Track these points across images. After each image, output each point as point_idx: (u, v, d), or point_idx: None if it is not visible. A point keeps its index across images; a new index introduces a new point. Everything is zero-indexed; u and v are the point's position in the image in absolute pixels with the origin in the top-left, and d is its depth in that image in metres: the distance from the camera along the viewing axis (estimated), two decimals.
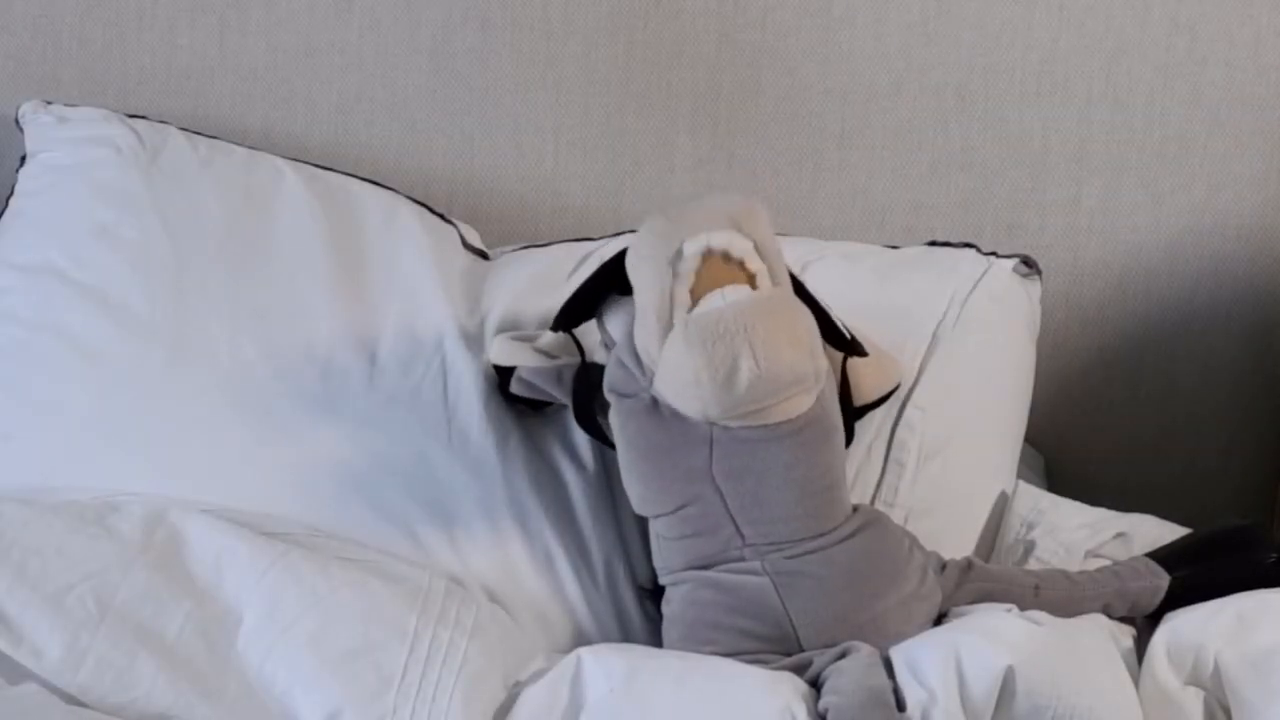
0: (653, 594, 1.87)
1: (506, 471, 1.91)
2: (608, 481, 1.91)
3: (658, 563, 1.84)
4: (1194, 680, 1.69)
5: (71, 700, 1.64)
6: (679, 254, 1.73)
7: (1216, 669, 1.68)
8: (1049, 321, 2.22)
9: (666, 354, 1.71)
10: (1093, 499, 2.04)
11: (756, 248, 1.75)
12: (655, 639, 1.85)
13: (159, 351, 1.96)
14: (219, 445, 1.92)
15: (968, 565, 1.84)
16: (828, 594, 1.76)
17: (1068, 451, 2.37)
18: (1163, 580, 1.84)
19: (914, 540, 1.83)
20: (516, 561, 1.89)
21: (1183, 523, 2.01)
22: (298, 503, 1.89)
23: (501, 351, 1.93)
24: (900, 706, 1.62)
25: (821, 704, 1.63)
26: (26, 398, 1.96)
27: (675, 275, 1.73)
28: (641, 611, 1.90)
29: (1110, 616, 1.81)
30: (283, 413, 1.93)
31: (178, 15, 2.25)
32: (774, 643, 1.76)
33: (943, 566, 1.83)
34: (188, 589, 1.72)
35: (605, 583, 1.90)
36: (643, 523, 1.87)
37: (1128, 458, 2.39)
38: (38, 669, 1.65)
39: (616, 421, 1.82)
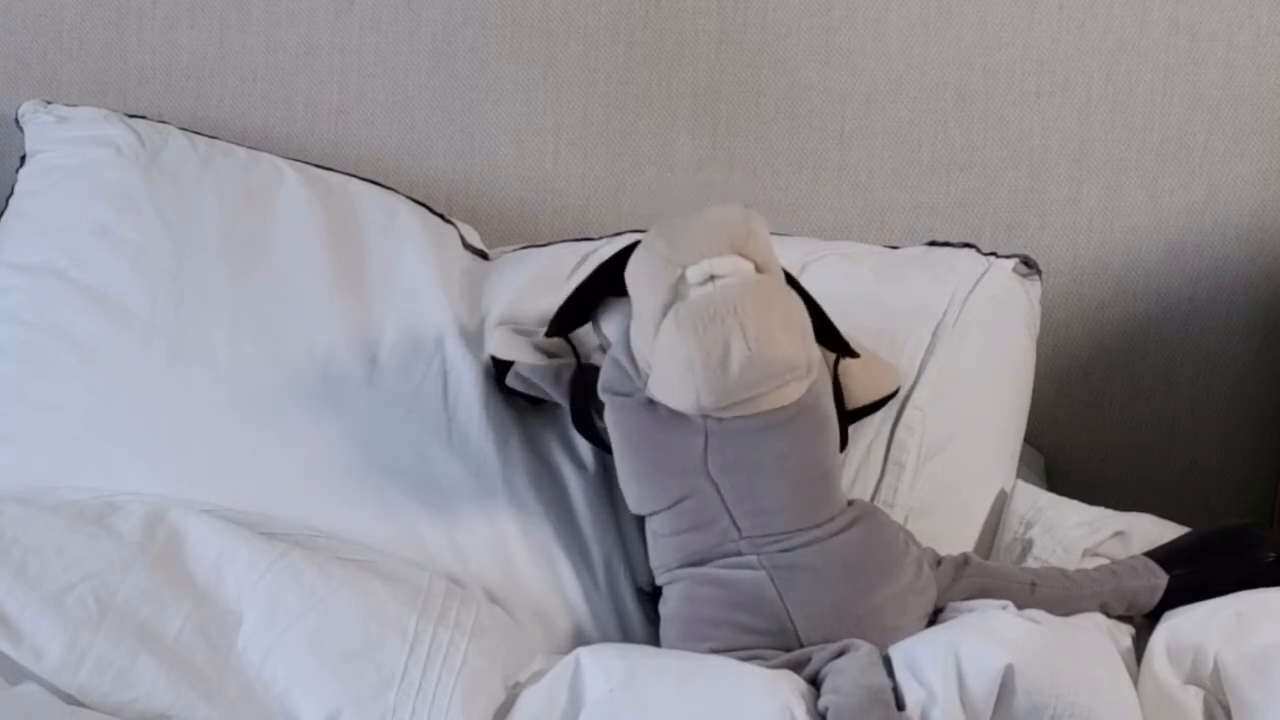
0: (651, 597, 1.87)
1: (506, 471, 1.91)
2: (608, 481, 1.91)
3: (654, 562, 1.84)
4: (1193, 679, 1.69)
5: (71, 700, 1.63)
6: (682, 279, 1.73)
7: (1216, 668, 1.68)
8: (1049, 321, 2.22)
9: (659, 343, 1.72)
10: (1093, 499, 2.04)
11: (757, 268, 1.75)
12: (655, 638, 1.85)
13: (159, 351, 1.96)
14: (219, 444, 1.92)
15: (964, 560, 1.84)
16: (824, 586, 1.76)
17: (1068, 451, 2.37)
18: (1160, 579, 1.84)
19: (909, 535, 1.83)
20: (516, 561, 1.89)
21: (1183, 522, 2.01)
22: (297, 503, 1.89)
23: (502, 344, 1.93)
24: (900, 705, 1.62)
25: (821, 703, 1.63)
26: (27, 397, 1.96)
27: (678, 298, 1.73)
28: (641, 611, 1.90)
29: (1108, 615, 1.81)
30: (283, 412, 1.93)
31: (178, 15, 2.25)
32: (772, 636, 1.76)
33: (938, 561, 1.83)
34: (188, 589, 1.73)
35: (605, 582, 1.90)
36: (643, 522, 1.87)
37: (1128, 457, 2.39)
38: (38, 669, 1.65)
39: (612, 419, 1.82)
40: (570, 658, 1.70)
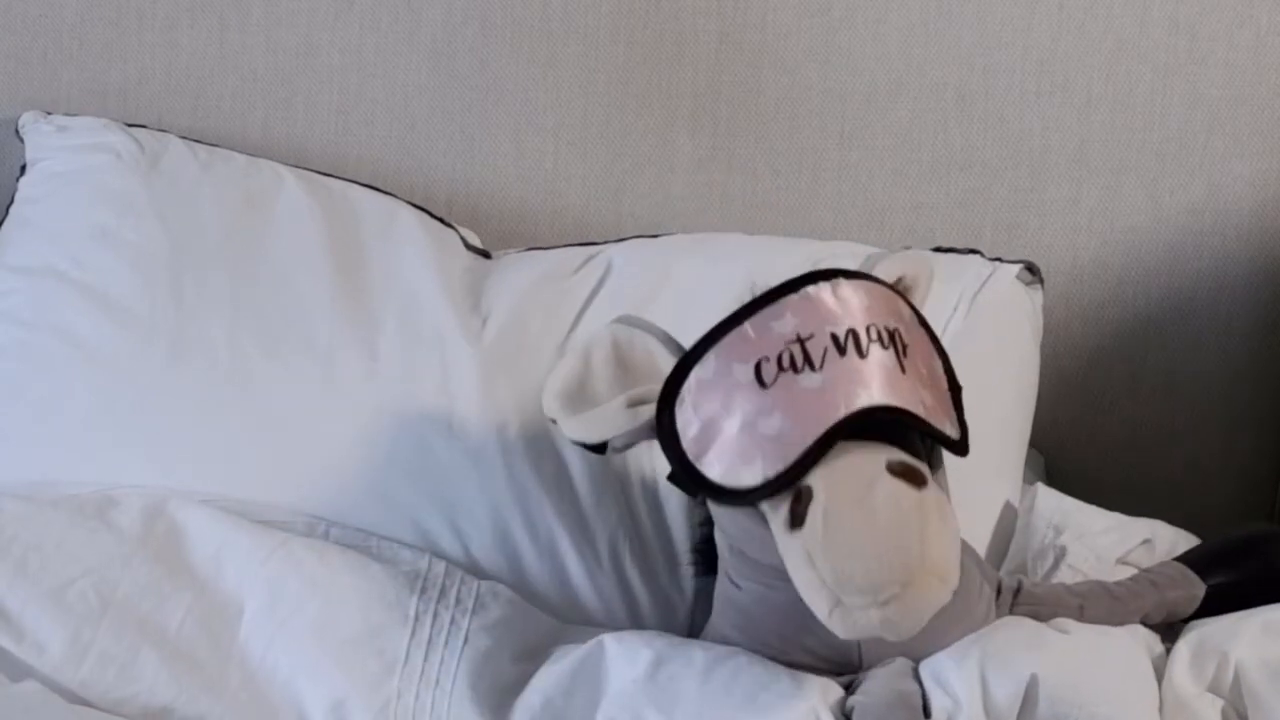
0: (701, 554, 1.80)
1: (507, 456, 1.91)
2: (612, 460, 1.90)
3: (730, 563, 1.74)
4: (1215, 688, 1.67)
5: (73, 696, 1.63)
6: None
7: (1237, 677, 1.67)
8: (1049, 321, 2.21)
9: (794, 576, 1.58)
10: (1092, 499, 2.03)
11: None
12: (662, 615, 1.86)
13: (159, 349, 1.96)
14: (219, 440, 1.92)
15: (1017, 588, 1.78)
16: None
17: (1068, 452, 2.36)
18: (1199, 589, 1.81)
19: (980, 564, 1.76)
20: (518, 543, 1.89)
21: (1183, 523, 2.01)
22: (299, 496, 1.89)
23: (589, 429, 1.70)
24: (926, 713, 1.60)
25: (849, 703, 1.61)
26: (27, 396, 1.97)
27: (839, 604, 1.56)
28: (647, 587, 1.88)
29: (1145, 624, 1.79)
30: (283, 407, 1.93)
31: (178, 15, 2.25)
32: (835, 665, 1.69)
33: (998, 589, 1.77)
34: (188, 581, 1.73)
35: (609, 561, 1.89)
36: (652, 502, 1.87)
37: (1128, 457, 2.39)
38: (39, 665, 1.65)
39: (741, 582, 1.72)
40: (593, 643, 1.69)
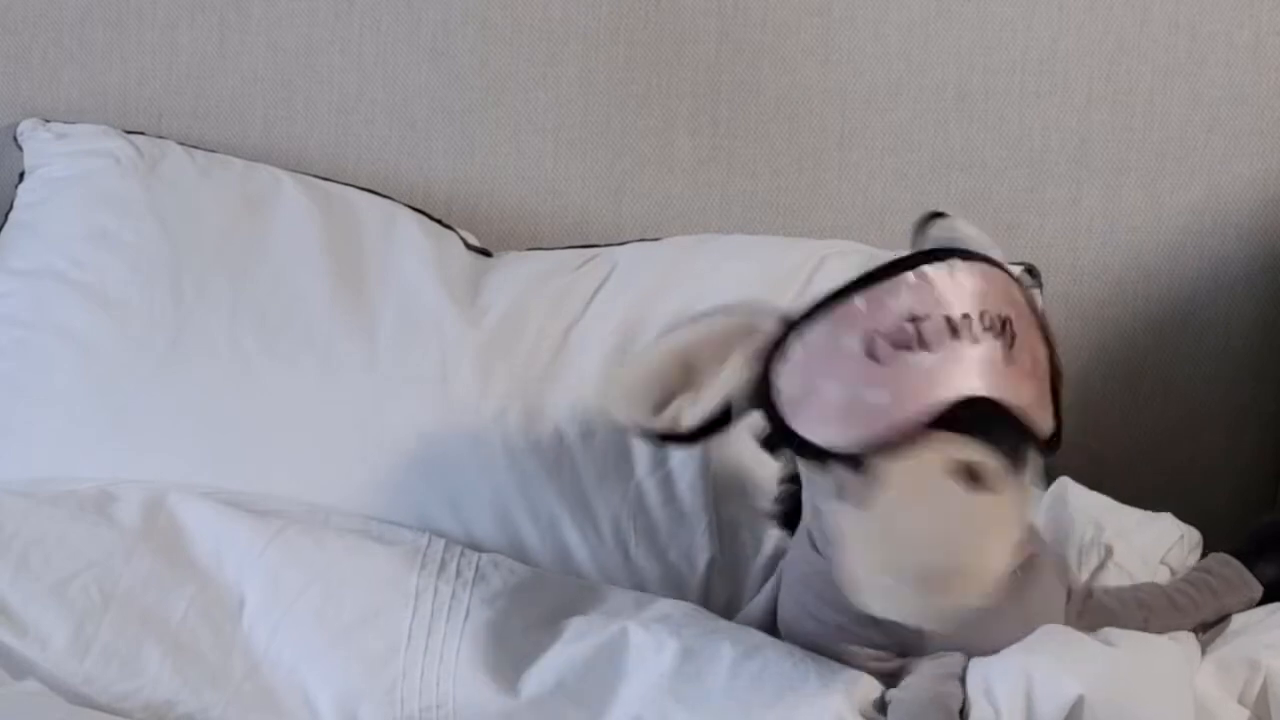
0: (781, 509, 1.80)
1: (506, 439, 1.91)
2: (616, 443, 1.91)
3: (814, 530, 1.72)
4: (1243, 699, 1.66)
5: (76, 691, 1.64)
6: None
7: (1264, 687, 1.66)
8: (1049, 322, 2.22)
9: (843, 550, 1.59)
10: None
11: None
12: (670, 590, 1.86)
13: (159, 346, 1.97)
14: (219, 436, 1.93)
15: (1088, 594, 1.77)
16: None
17: (1067, 452, 2.33)
18: (1256, 591, 1.81)
19: (1059, 565, 1.76)
20: (520, 526, 1.90)
21: (1184, 523, 2.01)
22: (299, 487, 1.90)
23: (717, 396, 1.69)
24: (964, 717, 1.58)
25: (889, 694, 1.61)
26: (27, 393, 1.97)
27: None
28: (654, 562, 1.89)
29: (1198, 629, 1.79)
30: (283, 401, 1.94)
31: (178, 15, 2.25)
32: (900, 644, 1.67)
33: (1068, 593, 1.76)
34: (190, 574, 1.73)
35: (613, 540, 1.89)
36: (662, 477, 1.88)
37: (1128, 458, 2.39)
38: (42, 660, 1.65)
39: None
40: (616, 629, 1.68)
